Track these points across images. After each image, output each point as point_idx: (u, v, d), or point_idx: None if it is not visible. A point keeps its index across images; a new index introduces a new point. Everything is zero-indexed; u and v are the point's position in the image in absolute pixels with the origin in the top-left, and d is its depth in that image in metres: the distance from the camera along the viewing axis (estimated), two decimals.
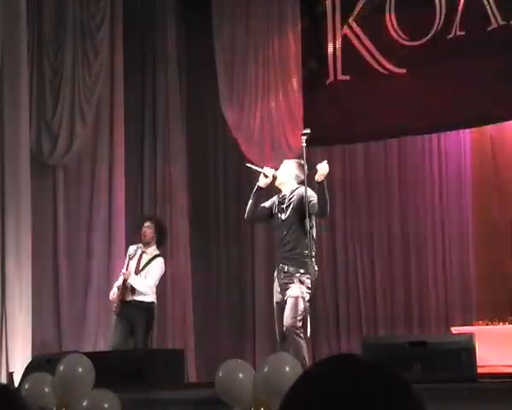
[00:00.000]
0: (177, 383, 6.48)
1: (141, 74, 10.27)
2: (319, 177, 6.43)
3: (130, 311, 7.88)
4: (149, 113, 10.20)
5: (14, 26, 8.91)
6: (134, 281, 7.90)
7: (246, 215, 6.84)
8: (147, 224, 8.14)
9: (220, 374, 3.79)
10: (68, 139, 9.50)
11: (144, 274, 7.96)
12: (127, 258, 8.11)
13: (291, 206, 6.56)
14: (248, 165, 7.13)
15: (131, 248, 8.17)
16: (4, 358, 8.57)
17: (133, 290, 7.92)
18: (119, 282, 8.00)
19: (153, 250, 8.14)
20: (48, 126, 9.48)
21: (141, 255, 8.07)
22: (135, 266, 8.01)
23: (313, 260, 6.44)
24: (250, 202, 6.73)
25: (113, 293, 7.94)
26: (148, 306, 7.97)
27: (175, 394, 5.80)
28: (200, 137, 10.46)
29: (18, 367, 7.93)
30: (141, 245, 8.12)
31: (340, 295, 9.65)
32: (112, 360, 6.46)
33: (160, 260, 8.13)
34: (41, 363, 6.10)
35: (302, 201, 6.45)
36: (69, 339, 9.22)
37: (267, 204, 6.74)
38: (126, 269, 7.98)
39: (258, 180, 6.74)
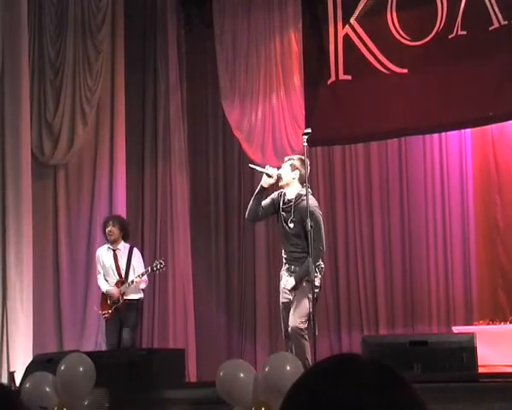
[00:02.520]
0: (177, 383, 6.48)
1: (142, 74, 10.26)
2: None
3: (120, 310, 8.19)
4: (150, 112, 10.20)
5: (14, 26, 8.91)
6: (130, 295, 8.21)
7: (247, 215, 6.83)
8: (110, 224, 8.41)
9: (221, 374, 3.79)
10: (69, 139, 9.51)
11: (132, 271, 8.25)
12: (99, 263, 8.43)
13: (296, 220, 6.53)
14: (251, 165, 7.12)
15: (101, 251, 8.43)
16: (5, 357, 8.57)
17: (124, 292, 8.25)
18: (106, 285, 8.22)
19: (124, 245, 8.44)
20: (49, 126, 9.49)
21: (115, 255, 8.34)
22: (114, 267, 8.32)
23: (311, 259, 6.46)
24: (252, 202, 6.70)
25: (113, 294, 8.16)
26: (137, 303, 8.34)
27: (175, 394, 5.79)
28: (200, 136, 10.46)
29: (19, 367, 7.93)
30: (109, 244, 8.42)
31: (341, 295, 9.65)
32: (112, 360, 6.47)
33: (138, 254, 8.50)
34: (42, 362, 6.10)
35: (305, 219, 6.43)
36: (70, 339, 9.23)
37: (267, 202, 6.71)
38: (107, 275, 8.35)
39: (259, 179, 6.74)
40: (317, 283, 6.41)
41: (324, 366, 1.21)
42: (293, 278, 6.47)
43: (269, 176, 6.60)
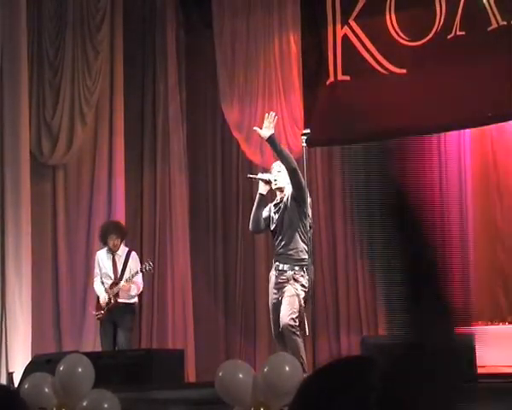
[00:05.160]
0: (176, 383, 6.48)
1: (141, 74, 10.26)
2: (264, 134, 6.56)
3: (115, 312, 8.15)
4: (149, 112, 10.20)
5: (13, 26, 8.91)
6: (128, 294, 8.20)
7: (251, 226, 6.83)
8: (114, 238, 8.35)
9: (220, 374, 3.79)
10: (68, 139, 9.50)
11: (129, 274, 8.23)
12: (97, 265, 8.39)
13: (284, 206, 6.59)
14: (250, 176, 7.14)
15: (101, 254, 8.41)
16: (4, 358, 8.57)
17: (117, 294, 8.22)
18: (101, 288, 8.23)
19: (123, 249, 8.43)
20: (48, 127, 9.48)
21: (114, 259, 8.35)
22: (112, 271, 8.29)
23: (310, 259, 6.47)
24: (254, 212, 6.73)
25: (104, 297, 8.15)
26: (132, 307, 8.31)
27: (175, 394, 5.79)
28: (200, 137, 10.46)
29: (18, 367, 7.93)
30: (109, 249, 8.39)
31: (341, 295, 9.65)
32: (112, 360, 6.47)
33: (136, 258, 8.45)
34: (41, 363, 6.10)
35: (293, 199, 6.48)
36: (69, 339, 9.22)
37: (266, 213, 6.76)
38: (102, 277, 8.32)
39: (258, 181, 6.77)
40: (303, 282, 6.41)
41: (330, 368, 1.21)
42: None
43: (266, 182, 6.65)
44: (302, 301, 6.36)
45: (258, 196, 6.73)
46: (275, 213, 6.68)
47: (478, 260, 9.01)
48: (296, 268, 6.43)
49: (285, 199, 6.63)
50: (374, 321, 9.43)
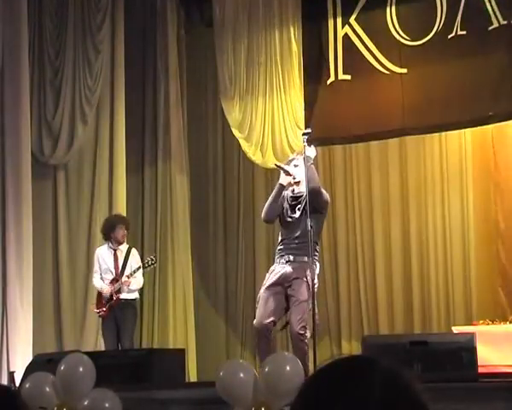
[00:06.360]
0: (177, 383, 6.47)
1: (141, 73, 10.27)
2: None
3: (116, 309, 8.13)
4: (150, 112, 10.20)
5: (14, 25, 8.92)
6: (125, 294, 8.19)
7: (266, 215, 6.63)
8: (121, 228, 8.32)
9: (221, 374, 3.79)
10: (69, 139, 9.51)
11: (130, 270, 8.20)
12: (97, 262, 8.36)
13: (302, 205, 6.50)
14: (276, 163, 7.05)
15: (102, 250, 8.38)
16: (5, 357, 8.58)
17: (118, 290, 8.21)
18: (101, 284, 8.22)
19: (124, 245, 8.42)
20: (49, 126, 9.49)
21: (115, 255, 8.32)
22: (113, 267, 8.27)
23: (316, 257, 6.42)
24: (272, 200, 6.57)
25: (107, 292, 8.18)
26: (133, 303, 8.31)
27: (175, 394, 5.79)
28: (200, 136, 10.46)
29: (19, 367, 7.93)
30: (110, 245, 8.34)
31: (342, 295, 9.65)
32: (112, 360, 6.47)
33: (136, 254, 8.47)
34: (42, 363, 6.09)
35: (313, 207, 6.41)
36: (70, 339, 9.23)
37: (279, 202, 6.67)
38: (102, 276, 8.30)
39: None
40: (315, 280, 6.36)
41: (331, 367, 1.21)
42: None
43: (288, 174, 6.57)
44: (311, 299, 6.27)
45: (277, 185, 6.60)
46: (292, 208, 6.55)
47: (479, 259, 9.01)
48: (309, 259, 6.31)
49: (304, 199, 6.50)
50: (375, 321, 9.43)
